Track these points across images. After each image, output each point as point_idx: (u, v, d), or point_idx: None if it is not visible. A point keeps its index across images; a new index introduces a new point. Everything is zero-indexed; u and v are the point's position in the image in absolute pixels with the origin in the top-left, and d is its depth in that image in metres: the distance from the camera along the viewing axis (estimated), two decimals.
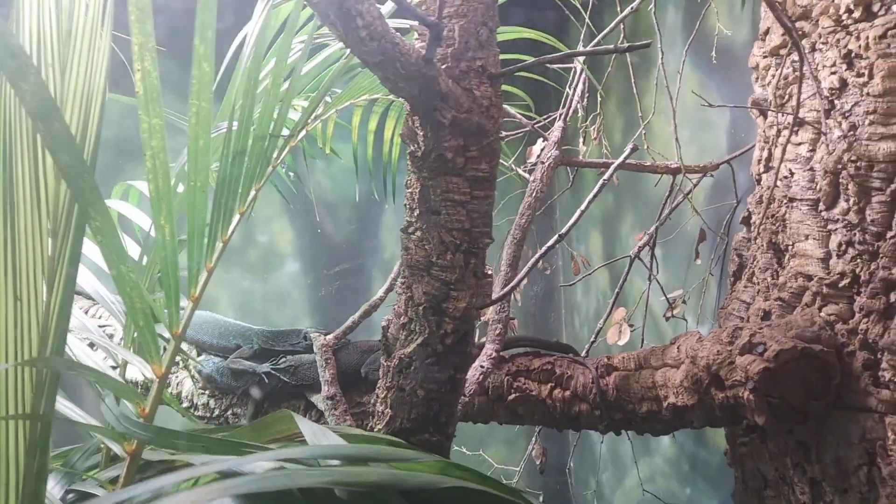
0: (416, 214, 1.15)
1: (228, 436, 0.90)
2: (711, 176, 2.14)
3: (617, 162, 1.49)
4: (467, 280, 1.15)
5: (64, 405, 0.95)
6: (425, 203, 1.13)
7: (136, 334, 0.94)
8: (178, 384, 1.98)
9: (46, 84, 0.66)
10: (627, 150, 1.51)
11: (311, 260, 3.55)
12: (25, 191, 0.68)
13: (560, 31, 2.64)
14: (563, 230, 1.28)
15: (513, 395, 1.76)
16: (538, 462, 2.34)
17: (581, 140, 2.13)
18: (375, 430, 1.22)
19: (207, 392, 1.97)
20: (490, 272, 1.22)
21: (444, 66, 1.05)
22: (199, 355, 2.04)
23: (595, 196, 1.36)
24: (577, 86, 1.74)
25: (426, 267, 1.15)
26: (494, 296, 1.32)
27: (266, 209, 3.42)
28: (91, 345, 1.23)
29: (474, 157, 1.11)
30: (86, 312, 2.04)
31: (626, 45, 0.94)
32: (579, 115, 2.04)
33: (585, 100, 2.14)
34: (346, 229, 3.61)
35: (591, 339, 2.18)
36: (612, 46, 0.95)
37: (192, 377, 1.97)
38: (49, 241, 0.69)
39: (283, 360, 1.88)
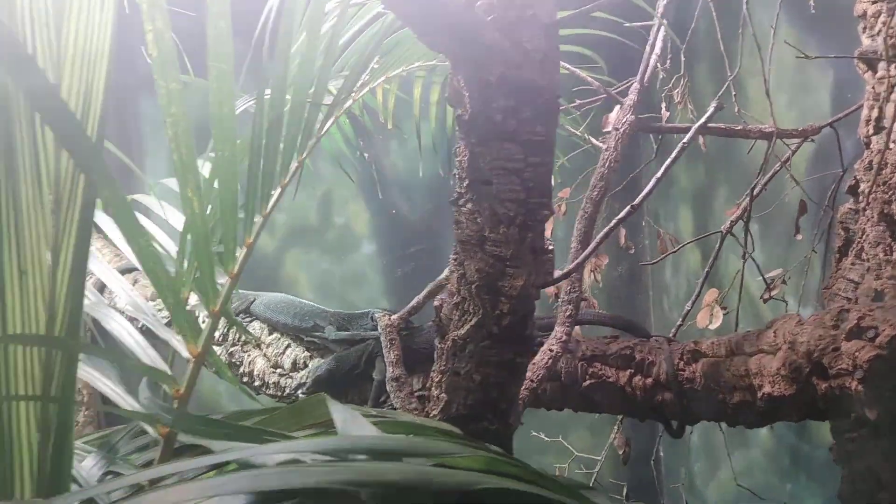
0: (465, 185, 1.05)
1: (261, 421, 0.85)
2: (812, 141, 1.91)
3: (699, 122, 1.33)
4: (524, 256, 1.05)
5: (106, 385, 0.93)
6: (475, 172, 1.03)
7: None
8: (249, 363, 1.99)
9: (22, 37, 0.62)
10: (711, 109, 1.34)
11: (387, 241, 3.52)
12: (25, 159, 0.64)
13: None
14: (637, 200, 1.15)
15: (588, 382, 1.64)
16: (621, 452, 2.20)
17: (664, 105, 1.96)
18: (431, 415, 1.15)
19: (278, 371, 1.97)
20: (551, 247, 1.11)
21: (489, 18, 0.95)
22: (270, 334, 2.05)
23: (674, 160, 1.21)
24: (654, 42, 1.57)
25: (479, 242, 1.06)
26: (559, 274, 1.21)
27: (342, 191, 3.42)
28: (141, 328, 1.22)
29: (528, 119, 1.00)
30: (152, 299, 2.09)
31: None
32: (662, 77, 1.87)
33: (668, 62, 1.96)
34: (420, 210, 3.56)
35: (679, 323, 2.01)
36: None
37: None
38: (51, 212, 0.65)
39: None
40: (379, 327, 1.80)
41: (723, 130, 1.57)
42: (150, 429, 0.84)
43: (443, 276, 1.88)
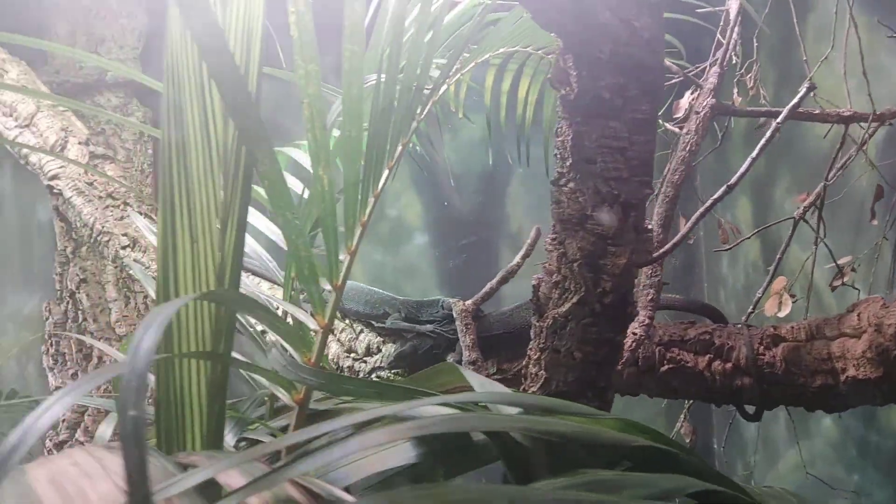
0: (568, 164, 1.07)
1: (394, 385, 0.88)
2: (891, 124, 1.89)
3: (791, 103, 1.33)
4: (626, 234, 1.07)
5: (235, 354, 0.98)
6: (579, 151, 1.05)
7: (297, 285, 0.94)
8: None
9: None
10: (803, 90, 1.34)
11: (439, 233, 3.56)
12: (196, 132, 0.68)
13: None
14: (733, 180, 1.16)
15: (666, 367, 1.65)
16: (688, 440, 2.20)
17: (734, 91, 1.95)
18: (530, 391, 1.17)
19: (352, 356, 2.01)
20: (650, 226, 1.12)
21: None
22: (342, 320, 2.10)
23: (768, 142, 1.22)
24: (733, 26, 1.57)
25: (580, 221, 1.08)
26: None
27: (395, 183, 3.46)
28: None
29: (634, 98, 1.01)
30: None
31: None
32: (734, 62, 1.86)
33: (737, 47, 1.95)
34: (472, 202, 3.59)
35: (749, 311, 2.00)
36: None
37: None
38: (220, 184, 0.69)
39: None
40: (454, 312, 1.83)
41: (803, 115, 1.56)
42: (283, 395, 0.88)
43: (514, 262, 1.91)
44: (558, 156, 1.09)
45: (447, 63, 1.18)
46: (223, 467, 0.47)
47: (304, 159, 1.49)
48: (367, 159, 1.01)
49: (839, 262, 2.16)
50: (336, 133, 1.19)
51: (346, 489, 0.58)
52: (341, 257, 0.98)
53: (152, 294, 1.22)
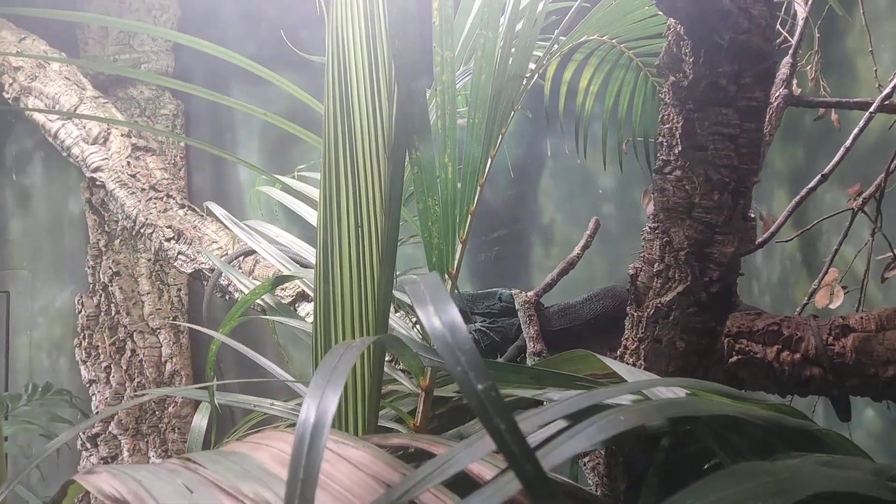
0: (676, 152, 1.06)
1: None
2: None
3: (884, 93, 1.32)
4: (735, 222, 1.06)
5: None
6: (689, 138, 1.04)
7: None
8: None
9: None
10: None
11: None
12: (362, 114, 0.67)
13: None
14: (827, 169, 1.15)
15: (734, 358, 1.64)
16: None
17: (794, 82, 1.94)
18: None
19: None
20: (753, 216, 1.12)
21: None
22: (395, 312, 2.09)
23: (861, 130, 1.21)
24: (806, 17, 1.56)
25: (686, 209, 1.07)
26: None
27: None
28: None
29: (748, 85, 1.00)
30: None
31: None
32: (799, 51, 1.85)
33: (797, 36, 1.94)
34: (503, 196, 3.58)
35: (804, 302, 1.99)
36: None
37: None
38: (386, 167, 0.68)
39: (497, 322, 1.88)
40: (516, 303, 1.82)
41: (865, 105, 1.55)
42: (406, 381, 0.87)
43: (574, 253, 1.90)
44: (664, 143, 1.08)
45: (548, 47, 1.17)
46: (466, 459, 0.46)
47: None
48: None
49: (884, 256, 2.16)
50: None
51: None
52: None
53: (236, 283, 1.21)
